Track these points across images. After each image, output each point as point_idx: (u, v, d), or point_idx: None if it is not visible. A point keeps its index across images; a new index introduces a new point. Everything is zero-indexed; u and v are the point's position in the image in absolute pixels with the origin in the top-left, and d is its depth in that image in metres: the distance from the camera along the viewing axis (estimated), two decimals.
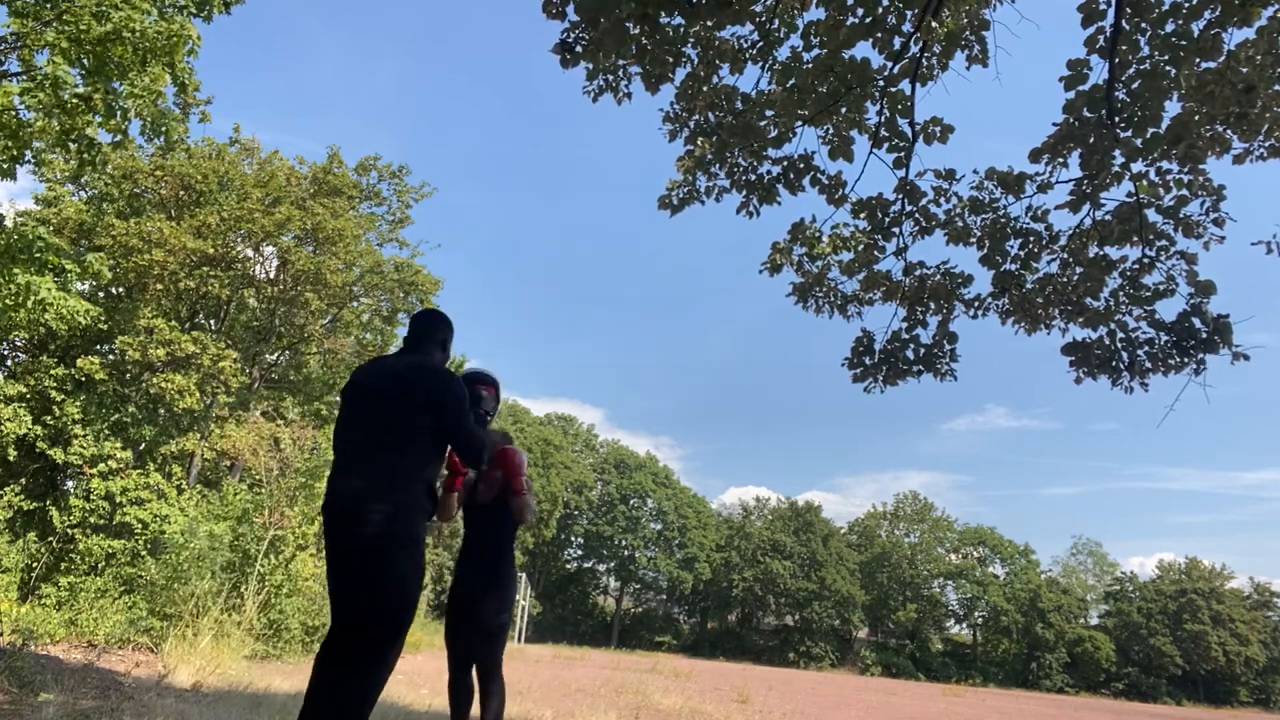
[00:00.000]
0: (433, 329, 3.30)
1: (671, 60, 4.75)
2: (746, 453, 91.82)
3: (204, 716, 5.24)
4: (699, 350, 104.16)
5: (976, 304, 5.72)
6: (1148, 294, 5.12)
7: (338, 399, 9.18)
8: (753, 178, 5.55)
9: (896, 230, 5.72)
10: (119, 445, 12.16)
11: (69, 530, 11.71)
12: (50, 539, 11.75)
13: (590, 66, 4.76)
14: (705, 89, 5.19)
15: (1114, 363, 5.14)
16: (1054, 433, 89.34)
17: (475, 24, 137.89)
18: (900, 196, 5.62)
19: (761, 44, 5.14)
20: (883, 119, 5.35)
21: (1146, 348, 5.07)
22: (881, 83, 5.19)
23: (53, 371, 12.12)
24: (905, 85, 5.26)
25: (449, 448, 3.13)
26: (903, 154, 5.44)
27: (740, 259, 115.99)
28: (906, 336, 5.79)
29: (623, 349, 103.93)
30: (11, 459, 11.75)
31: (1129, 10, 4.52)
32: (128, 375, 12.90)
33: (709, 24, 4.63)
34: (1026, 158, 5.13)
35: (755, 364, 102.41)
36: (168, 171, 14.04)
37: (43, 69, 7.04)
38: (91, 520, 11.67)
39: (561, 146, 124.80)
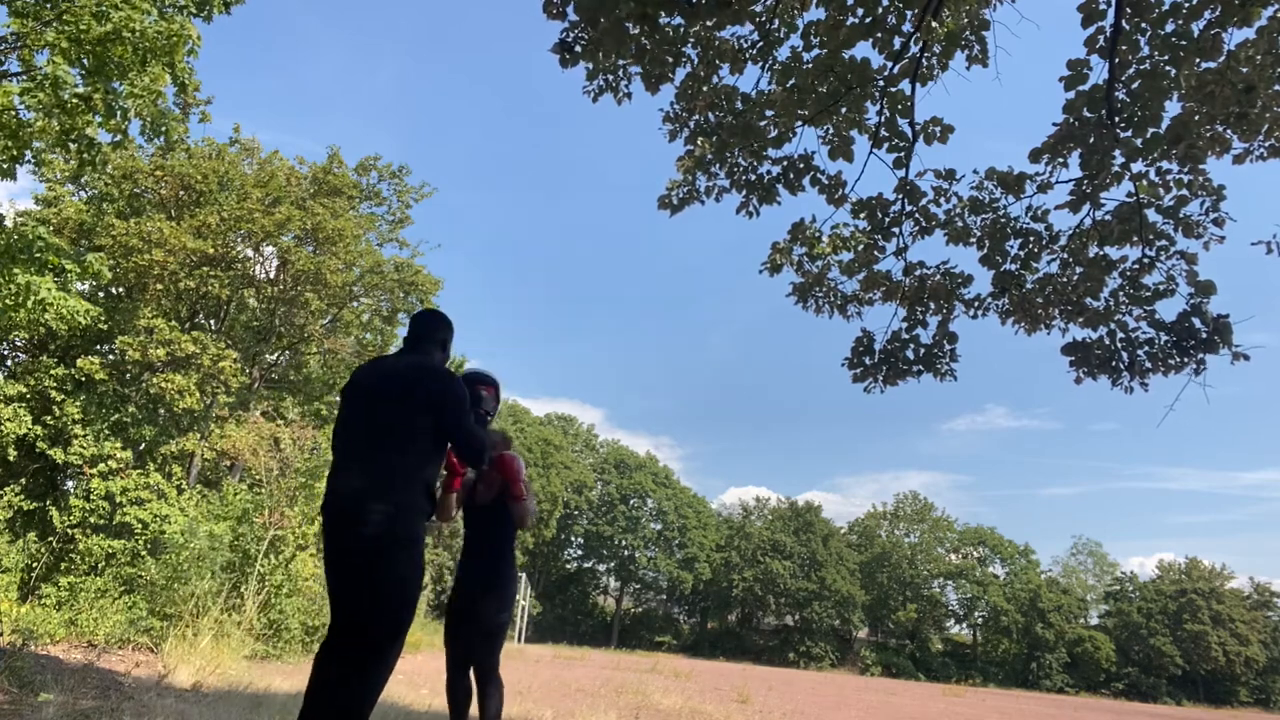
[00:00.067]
0: (433, 329, 3.30)
1: (671, 60, 4.75)
2: (746, 453, 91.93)
3: (204, 716, 5.24)
4: (699, 350, 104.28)
5: (976, 304, 5.72)
6: (1148, 294, 5.12)
7: (338, 399, 9.18)
8: (753, 178, 5.55)
9: (896, 230, 5.72)
10: (119, 445, 12.17)
11: (69, 530, 11.71)
12: (50, 539, 11.75)
13: (590, 66, 4.76)
14: (705, 89, 5.19)
15: (1114, 363, 5.14)
16: (1054, 433, 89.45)
17: (475, 24, 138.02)
18: (900, 196, 5.62)
19: (761, 44, 5.14)
20: (883, 119, 5.35)
21: (1146, 348, 5.07)
22: (881, 83, 5.19)
23: (53, 371, 12.12)
24: (905, 85, 5.26)
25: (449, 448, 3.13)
26: (903, 154, 5.44)
27: (740, 259, 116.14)
28: (906, 336, 5.79)
29: (623, 349, 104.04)
30: (11, 459, 11.75)
31: (1129, 10, 4.52)
32: (128, 375, 12.90)
33: (709, 24, 4.63)
34: (1026, 158, 5.13)
35: (755, 364, 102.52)
36: (168, 171, 14.04)
37: (43, 69, 7.03)
38: (91, 520, 11.67)
39: (561, 146, 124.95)
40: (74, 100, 7.09)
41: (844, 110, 5.24)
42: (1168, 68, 4.57)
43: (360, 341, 17.28)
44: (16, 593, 10.78)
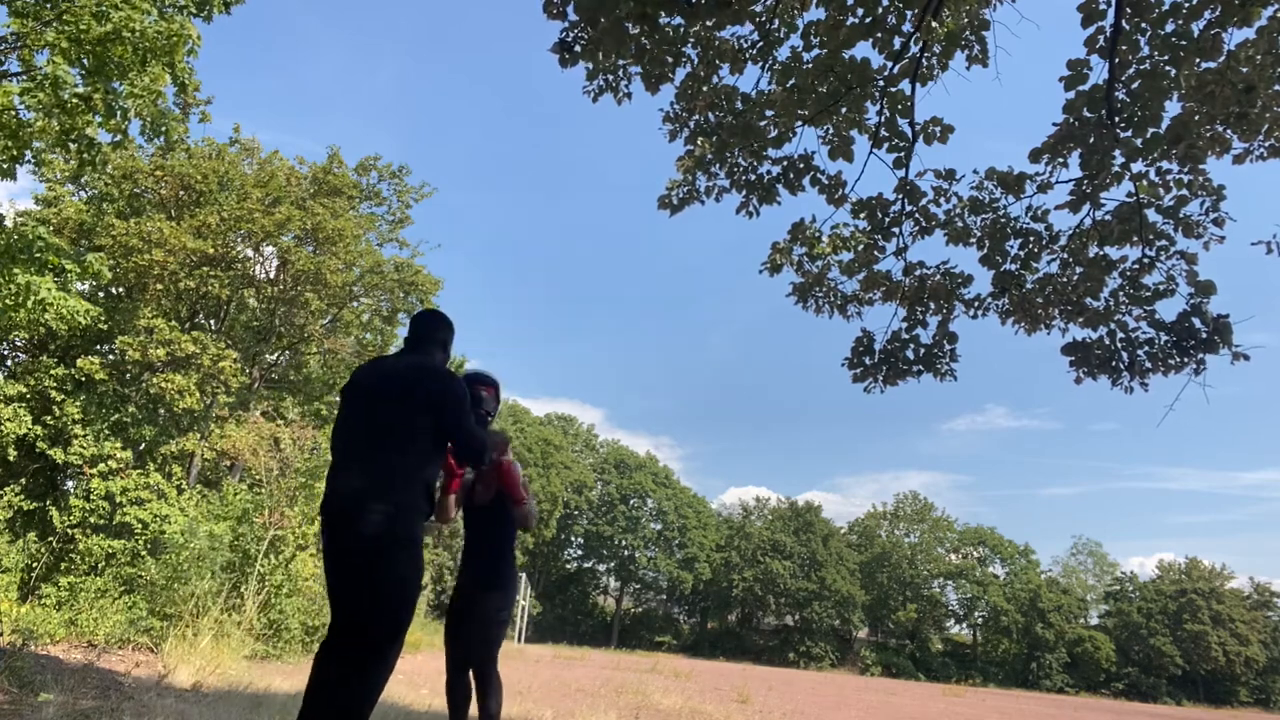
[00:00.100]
0: (433, 329, 3.30)
1: (671, 60, 4.75)
2: (746, 453, 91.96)
3: (204, 716, 5.23)
4: (699, 350, 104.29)
5: (976, 304, 5.71)
6: (1148, 294, 5.12)
7: (337, 399, 9.17)
8: (753, 178, 5.55)
9: (896, 230, 5.71)
10: (119, 445, 12.16)
11: (69, 530, 11.71)
12: (50, 539, 11.75)
13: (590, 66, 4.76)
14: (705, 89, 5.19)
15: (1114, 363, 5.14)
16: (1054, 433, 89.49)
17: (475, 24, 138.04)
18: (900, 196, 5.61)
19: (761, 44, 5.13)
20: (883, 119, 5.35)
21: (1146, 348, 5.06)
22: (881, 83, 5.19)
23: (53, 371, 12.12)
24: (905, 85, 5.26)
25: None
26: (903, 154, 5.44)
27: (740, 259, 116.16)
28: (906, 336, 5.79)
29: (623, 349, 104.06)
30: (11, 459, 11.75)
31: (1129, 10, 4.52)
32: (128, 375, 12.90)
33: (709, 24, 4.63)
34: (1026, 158, 5.13)
35: (755, 364, 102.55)
36: (168, 171, 14.04)
37: (43, 69, 7.03)
38: (91, 520, 11.67)
39: (561, 146, 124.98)
40: (74, 100, 7.09)
41: (844, 110, 5.24)
42: (1168, 68, 4.57)
43: (360, 341, 17.28)
44: (16, 593, 10.78)
